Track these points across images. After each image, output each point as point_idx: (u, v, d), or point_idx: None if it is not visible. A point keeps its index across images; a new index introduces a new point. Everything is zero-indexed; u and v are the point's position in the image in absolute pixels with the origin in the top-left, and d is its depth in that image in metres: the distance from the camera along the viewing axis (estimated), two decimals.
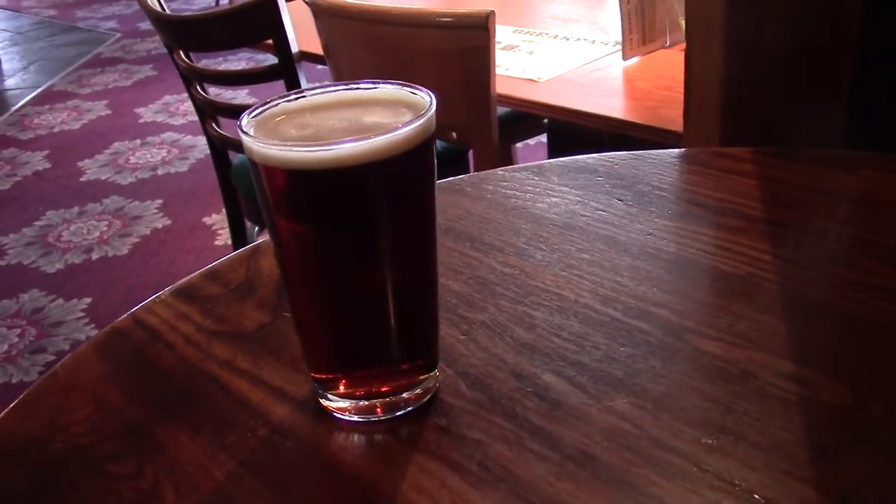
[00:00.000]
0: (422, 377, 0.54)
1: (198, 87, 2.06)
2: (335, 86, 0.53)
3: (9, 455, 0.55)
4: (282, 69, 1.86)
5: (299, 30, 1.90)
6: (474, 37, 1.49)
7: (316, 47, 1.93)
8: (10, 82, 5.03)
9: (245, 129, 0.49)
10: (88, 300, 2.65)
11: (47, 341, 2.46)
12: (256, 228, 2.39)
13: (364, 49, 1.71)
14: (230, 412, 0.56)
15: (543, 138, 2.97)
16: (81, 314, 2.57)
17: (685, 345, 0.58)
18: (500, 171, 0.85)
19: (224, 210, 3.02)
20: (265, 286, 0.70)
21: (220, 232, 2.98)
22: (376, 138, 0.47)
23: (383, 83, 0.53)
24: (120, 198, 3.31)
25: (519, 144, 2.80)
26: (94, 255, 2.91)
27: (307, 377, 0.57)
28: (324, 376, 0.54)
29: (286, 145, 0.47)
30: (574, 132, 2.18)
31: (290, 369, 0.59)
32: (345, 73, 1.78)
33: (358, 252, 0.50)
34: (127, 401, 0.58)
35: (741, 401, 0.53)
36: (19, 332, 2.52)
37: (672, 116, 1.50)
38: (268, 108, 0.52)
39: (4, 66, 5.26)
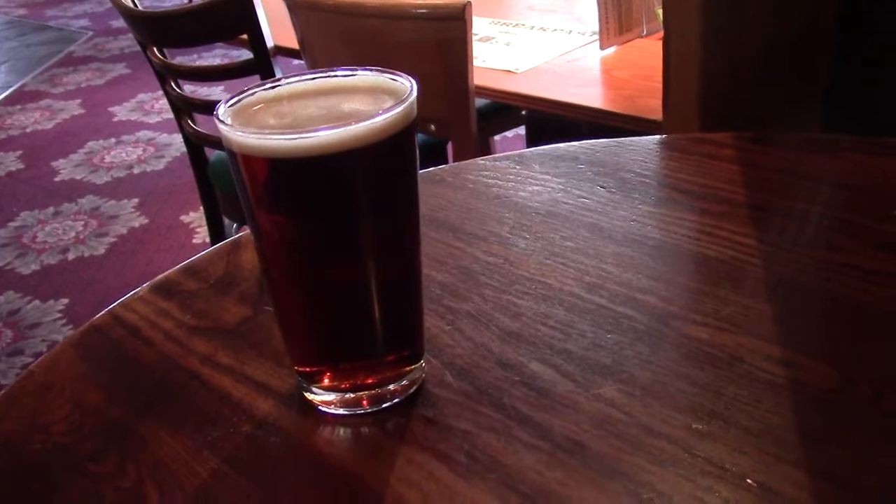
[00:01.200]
0: (407, 368, 0.53)
1: (172, 84, 2.03)
2: (312, 73, 0.52)
3: None
4: (257, 64, 1.84)
5: (274, 24, 1.89)
6: (452, 28, 1.48)
7: (292, 42, 1.91)
8: None
9: (222, 119, 0.48)
10: (65, 301, 2.62)
11: (24, 343, 2.43)
12: (235, 225, 2.37)
13: (340, 42, 1.70)
14: (213, 408, 0.55)
15: (521, 130, 2.97)
16: (59, 315, 2.54)
17: (672, 331, 0.57)
18: (480, 160, 0.84)
19: (201, 208, 3.01)
20: (246, 280, 0.69)
21: (197, 230, 2.95)
22: (357, 125, 0.46)
23: (362, 70, 0.52)
24: (96, 197, 3.28)
25: (497, 137, 2.79)
26: (71, 256, 2.88)
27: (291, 371, 0.57)
28: (308, 369, 0.53)
29: (265, 133, 0.46)
30: (552, 124, 2.17)
31: (273, 363, 0.58)
32: (321, 67, 1.77)
33: (339, 242, 0.49)
34: (106, 399, 0.57)
35: (730, 385, 0.52)
36: None
37: (651, 105, 1.50)
38: (244, 97, 0.51)
39: None
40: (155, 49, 1.98)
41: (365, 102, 0.51)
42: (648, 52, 1.74)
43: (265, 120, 0.49)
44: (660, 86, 1.56)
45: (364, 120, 0.46)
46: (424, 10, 1.51)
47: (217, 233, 2.26)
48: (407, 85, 0.49)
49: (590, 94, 1.63)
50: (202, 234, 2.90)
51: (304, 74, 0.52)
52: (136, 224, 3.05)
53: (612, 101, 1.60)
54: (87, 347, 0.63)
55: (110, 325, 0.64)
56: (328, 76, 0.52)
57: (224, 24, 1.92)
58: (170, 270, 0.71)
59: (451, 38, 1.50)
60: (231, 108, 0.49)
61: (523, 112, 2.26)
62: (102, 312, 0.66)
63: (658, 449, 0.48)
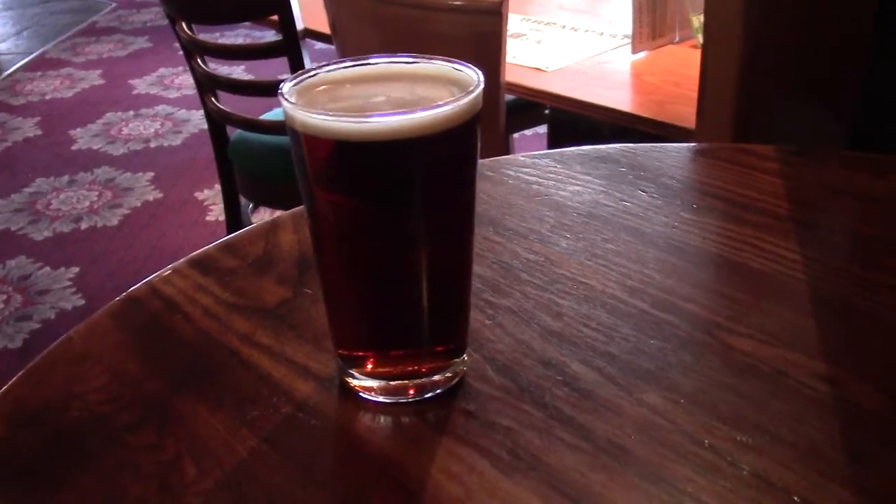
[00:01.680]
0: (454, 360, 0.53)
1: (199, 61, 2.03)
2: (376, 58, 0.52)
3: (22, 420, 0.53)
4: (285, 46, 1.84)
5: (305, 6, 1.88)
6: (487, 22, 1.48)
7: (320, 25, 1.91)
8: (2, 47, 4.96)
9: (287, 97, 0.47)
10: (76, 269, 2.62)
11: (33, 309, 2.43)
12: (251, 206, 2.37)
13: (373, 29, 1.69)
14: (251, 387, 0.55)
15: (540, 129, 2.96)
16: (68, 283, 2.55)
17: (715, 340, 0.57)
18: (521, 156, 0.84)
19: (216, 186, 3.00)
20: (284, 261, 0.68)
21: (211, 207, 2.95)
22: (423, 112, 0.45)
23: (425, 58, 0.52)
24: (111, 168, 3.28)
25: (516, 135, 2.78)
26: (84, 225, 2.88)
27: (330, 356, 0.56)
28: (352, 353, 0.53)
29: (331, 115, 0.45)
30: (575, 124, 2.17)
31: (312, 346, 0.58)
32: (351, 53, 1.76)
33: (397, 228, 0.48)
34: (144, 371, 0.57)
35: (774, 399, 0.52)
36: (5, 299, 2.49)
37: (681, 112, 1.50)
38: (307, 78, 0.50)
39: None
40: (183, 24, 1.97)
41: (429, 90, 0.50)
42: (680, 58, 1.74)
43: (328, 102, 0.49)
44: (690, 93, 1.55)
45: (431, 108, 0.45)
46: (460, 3, 1.51)
47: (233, 212, 2.26)
48: (473, 76, 0.49)
49: (619, 98, 1.63)
50: (216, 212, 2.90)
51: (366, 59, 0.52)
52: (151, 198, 3.05)
53: (641, 105, 1.59)
54: (124, 318, 0.63)
55: (148, 297, 0.64)
56: (391, 62, 0.52)
57: (256, 4, 1.91)
58: (208, 246, 0.71)
59: (486, 32, 1.50)
60: (295, 87, 0.49)
61: (546, 111, 2.25)
62: (140, 283, 0.66)
63: (702, 459, 0.48)
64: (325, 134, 0.46)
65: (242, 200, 2.24)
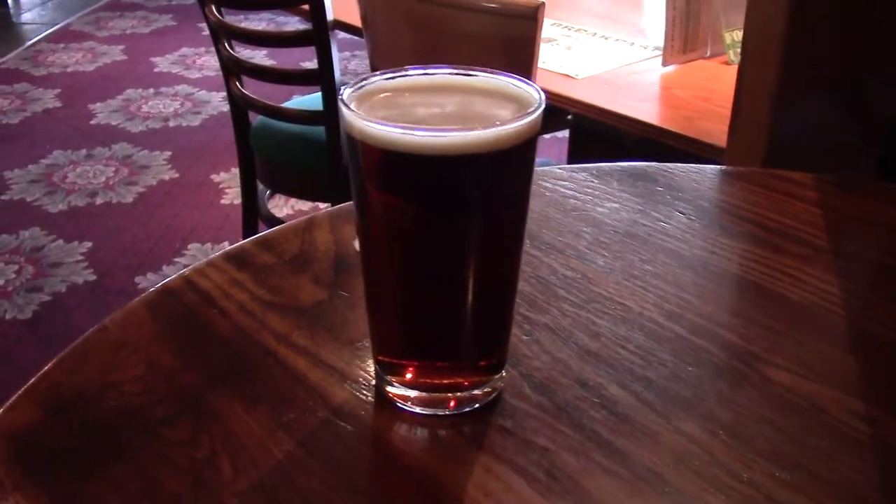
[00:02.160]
0: (494, 375, 0.53)
1: (226, 44, 2.02)
2: (436, 68, 0.52)
3: (57, 407, 0.53)
4: (314, 35, 1.84)
5: None
6: (521, 26, 1.47)
7: (349, 17, 1.91)
8: (26, 16, 4.97)
9: (347, 103, 0.47)
10: (89, 244, 2.62)
11: (44, 280, 2.44)
12: (268, 192, 2.37)
13: (404, 25, 1.69)
14: (287, 389, 0.54)
15: (559, 134, 2.95)
16: (81, 258, 2.55)
17: (754, 372, 0.57)
18: (557, 169, 0.83)
19: (232, 169, 3.01)
20: (320, 261, 0.68)
21: (227, 191, 2.95)
22: (485, 130, 0.45)
23: (483, 71, 0.52)
24: (129, 145, 3.28)
25: None
26: (99, 200, 2.88)
27: (367, 361, 0.56)
28: (393, 360, 0.53)
29: (391, 126, 0.45)
30: (597, 131, 2.16)
31: (349, 351, 0.58)
32: (382, 48, 1.76)
33: (450, 239, 0.48)
34: (180, 364, 0.57)
35: (812, 436, 0.52)
36: (17, 269, 2.50)
37: (709, 129, 1.49)
38: (366, 84, 0.50)
39: (22, 0, 5.19)
40: (213, 7, 1.97)
41: (488, 106, 0.50)
42: (710, 73, 1.73)
43: (388, 110, 0.49)
44: (719, 109, 1.55)
45: (494, 126, 0.45)
46: (495, 6, 1.50)
47: (250, 197, 2.26)
48: (534, 94, 0.49)
49: (648, 110, 1.62)
50: (231, 196, 2.90)
51: (426, 69, 0.51)
52: (167, 177, 3.05)
53: (669, 119, 1.59)
54: (160, 309, 0.63)
55: (184, 289, 0.64)
56: (451, 73, 0.52)
57: None
58: (244, 241, 0.71)
59: (519, 36, 1.49)
60: (355, 93, 0.49)
61: (569, 116, 2.25)
62: (175, 275, 0.66)
63: (740, 493, 0.47)
64: (384, 144, 0.46)
65: (260, 186, 2.24)
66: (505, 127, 0.45)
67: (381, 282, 0.52)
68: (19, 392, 0.54)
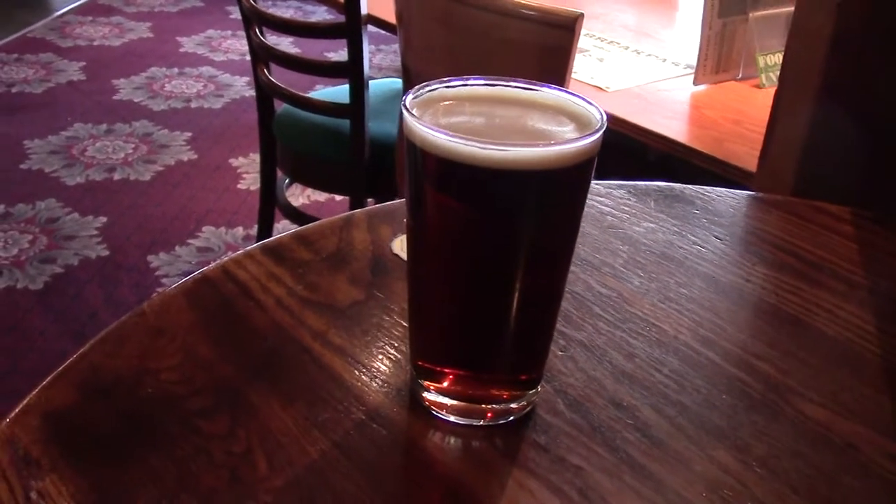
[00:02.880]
0: (531, 390, 0.53)
1: (257, 30, 2.03)
2: (497, 80, 0.52)
3: (96, 391, 0.54)
4: (348, 28, 1.84)
5: None
6: (558, 36, 1.47)
7: (382, 12, 1.91)
8: None
9: (409, 109, 0.47)
10: (104, 219, 2.63)
11: (57, 252, 2.44)
12: (287, 181, 2.37)
13: (439, 26, 1.69)
14: (324, 388, 0.55)
15: None
16: (95, 232, 2.55)
17: (788, 406, 0.57)
18: (595, 184, 0.83)
19: (251, 154, 3.01)
20: (357, 260, 0.68)
21: (244, 176, 2.96)
22: (548, 148, 0.45)
23: (544, 86, 0.52)
24: (150, 123, 3.28)
25: None
26: (116, 176, 2.89)
27: (402, 366, 0.56)
28: (433, 367, 0.53)
29: (453, 135, 0.45)
30: (619, 143, 2.16)
31: (385, 354, 0.58)
32: (415, 47, 1.76)
33: (501, 252, 0.48)
34: (217, 355, 0.57)
35: (846, 475, 0.52)
36: (31, 239, 2.50)
37: (737, 151, 1.49)
38: (427, 91, 0.50)
39: None
40: None
41: (547, 121, 0.50)
42: (741, 95, 1.73)
43: (448, 119, 0.49)
44: (749, 132, 1.55)
45: (557, 144, 0.45)
46: (534, 13, 1.50)
47: (268, 184, 2.26)
48: (595, 114, 0.49)
49: (677, 128, 1.62)
50: (248, 181, 2.90)
51: (487, 79, 0.51)
52: (185, 158, 3.05)
53: (698, 139, 1.58)
54: (198, 297, 0.63)
55: (222, 279, 0.64)
56: (510, 86, 0.52)
57: None
58: (282, 234, 0.71)
59: (555, 45, 1.49)
60: (416, 100, 0.49)
61: None
62: (213, 264, 0.66)
63: None
64: (444, 153, 0.46)
65: (279, 174, 2.24)
66: (567, 146, 0.45)
67: (428, 287, 0.52)
68: (57, 371, 0.54)
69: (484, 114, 0.50)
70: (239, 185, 2.90)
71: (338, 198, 2.77)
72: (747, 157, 1.43)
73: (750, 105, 1.66)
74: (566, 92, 0.51)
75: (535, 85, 0.52)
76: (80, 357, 0.56)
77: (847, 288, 0.70)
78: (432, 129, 0.46)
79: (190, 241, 2.53)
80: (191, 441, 0.50)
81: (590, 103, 0.50)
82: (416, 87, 0.50)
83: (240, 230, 2.62)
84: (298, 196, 2.83)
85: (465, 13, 1.58)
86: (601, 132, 0.47)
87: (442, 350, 0.53)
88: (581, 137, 0.46)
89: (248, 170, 2.98)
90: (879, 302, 0.69)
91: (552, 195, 0.47)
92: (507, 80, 0.52)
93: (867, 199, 1.26)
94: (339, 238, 0.71)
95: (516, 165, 0.45)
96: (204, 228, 2.60)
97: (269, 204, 2.26)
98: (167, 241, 2.53)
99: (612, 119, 1.61)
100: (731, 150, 1.50)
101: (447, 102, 0.50)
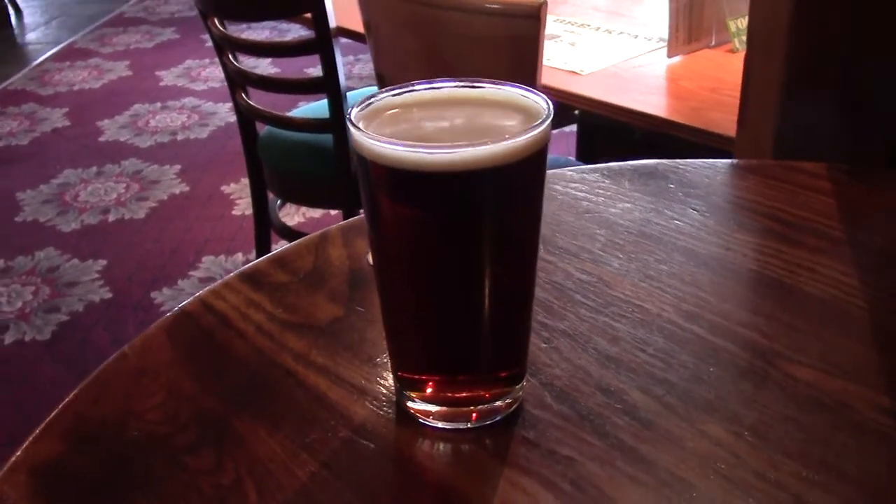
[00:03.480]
0: (514, 386, 0.53)
1: (230, 56, 2.03)
2: (442, 82, 0.51)
3: (82, 439, 0.53)
4: (318, 44, 1.84)
5: (337, 2, 1.88)
6: (524, 26, 1.47)
7: (353, 23, 1.90)
8: (31, 36, 4.99)
9: (355, 123, 0.47)
10: (103, 262, 2.63)
11: (61, 300, 2.45)
12: (278, 202, 2.37)
13: (407, 30, 1.68)
14: (309, 409, 0.54)
15: (567, 129, 2.95)
16: (96, 275, 2.56)
17: (776, 370, 0.56)
18: (568, 171, 0.83)
19: (242, 180, 3.01)
20: (335, 277, 0.68)
21: (237, 202, 2.96)
22: (494, 144, 0.45)
23: (490, 83, 0.51)
24: (138, 160, 3.29)
25: None
26: (111, 217, 2.89)
27: (386, 377, 0.56)
28: (413, 376, 0.53)
29: (400, 144, 0.45)
30: (605, 125, 2.16)
31: (367, 368, 0.58)
32: (386, 54, 1.76)
33: (464, 254, 0.48)
34: (201, 389, 0.57)
35: (840, 434, 0.51)
36: (33, 290, 2.51)
37: (717, 119, 1.49)
38: (374, 102, 0.50)
39: (26, 20, 5.21)
40: (216, 20, 1.97)
41: (496, 118, 0.50)
42: (716, 62, 1.72)
43: (396, 128, 0.49)
44: (727, 99, 1.54)
45: (502, 140, 0.45)
46: (498, 6, 1.50)
47: (260, 207, 2.26)
48: (542, 104, 0.48)
49: (655, 103, 1.61)
50: (242, 206, 2.90)
51: (433, 83, 0.51)
52: (177, 191, 3.06)
53: (677, 111, 1.58)
54: (178, 333, 0.63)
55: (201, 312, 0.64)
56: (457, 87, 0.51)
57: (290, 1, 1.92)
58: (259, 260, 0.71)
59: (523, 35, 1.49)
60: (362, 112, 0.49)
61: (576, 112, 2.24)
62: (192, 298, 0.66)
63: (768, 495, 0.47)
64: (393, 163, 0.46)
65: (270, 196, 2.24)
66: (514, 140, 0.45)
67: (397, 298, 0.52)
68: (42, 425, 0.54)
69: (431, 117, 0.50)
70: (234, 212, 2.91)
71: (333, 212, 2.77)
72: (727, 123, 1.42)
73: (725, 71, 1.66)
74: (513, 86, 0.51)
75: (482, 83, 0.51)
76: (65, 407, 0.56)
77: (828, 244, 0.70)
78: (378, 141, 0.45)
79: (191, 272, 2.54)
80: (179, 479, 0.50)
81: (537, 94, 0.49)
82: (361, 98, 0.50)
83: (239, 256, 2.62)
84: (294, 215, 2.83)
85: (429, 14, 1.58)
86: (548, 122, 0.47)
87: (419, 358, 0.53)
88: (527, 130, 0.46)
89: (240, 195, 2.98)
90: (860, 255, 0.68)
91: (507, 190, 0.47)
92: (454, 81, 0.52)
93: (850, 153, 1.26)
94: (316, 256, 0.71)
95: (466, 166, 0.45)
96: (203, 259, 2.61)
97: (265, 227, 2.26)
98: (168, 275, 2.54)
99: (590, 102, 1.62)
100: (710, 118, 1.49)
101: (393, 111, 0.50)
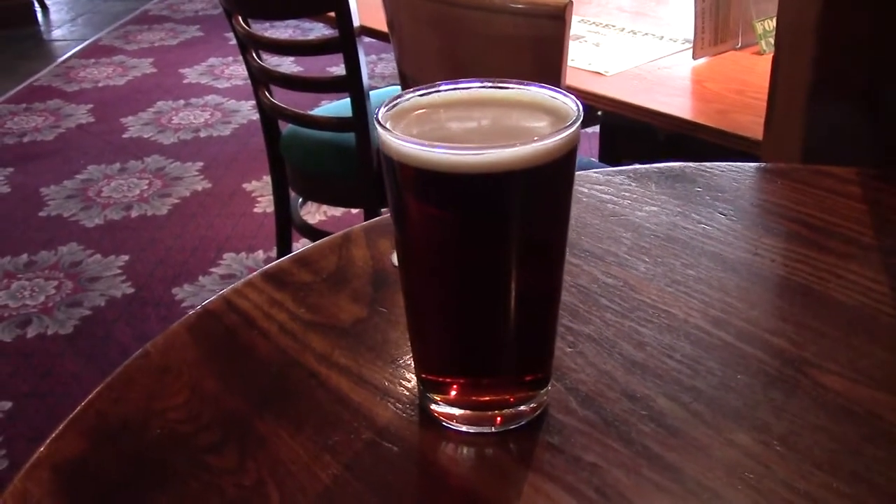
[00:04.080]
0: (539, 390, 0.52)
1: (254, 54, 2.03)
2: (469, 82, 0.51)
3: (104, 437, 0.53)
4: (341, 42, 1.84)
5: (361, 2, 1.88)
6: (549, 26, 1.46)
7: (376, 22, 1.90)
8: (57, 33, 5.03)
9: (382, 123, 0.47)
10: (126, 258, 2.65)
11: (83, 295, 2.46)
12: (300, 200, 2.37)
13: (431, 30, 1.68)
14: (332, 411, 0.54)
15: (588, 129, 2.93)
16: (118, 271, 2.58)
17: (805, 378, 0.55)
18: (594, 173, 0.82)
19: (264, 177, 3.02)
20: (358, 277, 0.68)
21: (259, 199, 2.97)
22: (522, 147, 0.44)
23: (518, 84, 0.51)
24: (161, 157, 3.31)
25: None
26: (134, 213, 2.91)
27: (409, 379, 0.56)
28: (437, 379, 0.52)
29: (427, 145, 0.45)
30: (628, 126, 2.14)
31: (390, 369, 0.57)
32: (409, 53, 1.76)
33: (490, 256, 0.48)
34: (224, 388, 0.57)
35: (869, 445, 0.50)
36: (56, 285, 2.53)
37: (742, 122, 1.47)
38: (401, 102, 0.49)
39: (52, 17, 5.26)
40: (240, 17, 1.98)
41: (524, 119, 0.49)
42: (742, 65, 1.71)
43: (423, 128, 0.48)
44: (753, 101, 1.53)
45: (531, 142, 0.44)
46: (522, 6, 1.49)
47: (282, 205, 2.26)
48: (571, 106, 0.48)
49: (680, 105, 1.60)
50: (263, 204, 2.91)
51: (460, 83, 0.51)
52: (199, 188, 3.07)
53: (702, 113, 1.56)
54: (201, 331, 0.62)
55: (224, 310, 0.64)
56: (484, 87, 0.51)
57: (313, 0, 1.92)
58: (282, 259, 0.70)
59: (547, 36, 1.48)
60: (389, 112, 0.48)
61: (599, 112, 2.23)
62: (215, 297, 0.66)
63: None
64: (420, 164, 0.45)
65: (292, 194, 2.24)
66: (544, 142, 0.45)
67: (422, 299, 0.51)
68: (65, 422, 0.54)
69: (459, 118, 0.50)
70: (255, 209, 2.92)
71: (354, 211, 2.77)
72: (754, 126, 1.40)
73: (752, 73, 1.64)
74: (541, 87, 0.50)
75: (509, 84, 0.51)
76: (87, 405, 0.56)
77: (857, 250, 0.69)
78: (405, 140, 0.45)
79: (212, 269, 2.55)
80: (200, 478, 0.50)
81: (565, 95, 0.49)
82: (389, 98, 0.49)
83: (260, 254, 2.63)
84: (315, 213, 2.84)
85: (454, 14, 1.58)
86: (577, 124, 0.46)
87: (443, 361, 0.52)
88: (556, 132, 0.45)
89: (262, 193, 2.99)
90: (890, 261, 0.67)
91: (534, 193, 0.46)
92: (482, 82, 0.51)
93: (880, 157, 1.24)
94: (339, 256, 0.71)
95: (493, 168, 0.44)
96: (225, 256, 2.62)
97: (286, 225, 2.26)
98: (190, 272, 2.55)
99: (614, 103, 1.60)
100: (736, 120, 1.48)
101: (421, 111, 0.49)
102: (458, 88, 0.51)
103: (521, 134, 0.46)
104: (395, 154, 0.46)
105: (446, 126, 0.49)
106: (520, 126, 0.49)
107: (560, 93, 0.49)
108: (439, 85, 0.50)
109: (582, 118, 0.47)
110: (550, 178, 0.47)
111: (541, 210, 0.48)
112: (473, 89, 0.51)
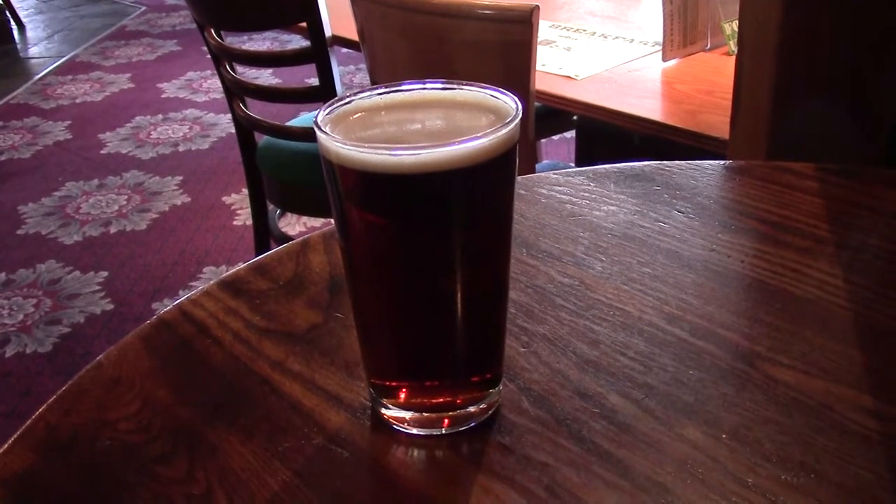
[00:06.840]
0: (489, 391, 0.52)
1: (227, 67, 2.03)
2: (410, 84, 0.51)
3: (54, 450, 0.53)
4: (314, 53, 1.84)
5: (333, 11, 1.88)
6: (517, 31, 1.46)
7: (349, 32, 1.90)
8: (33, 50, 5.02)
9: (321, 127, 0.47)
10: (105, 274, 2.63)
11: (62, 313, 2.45)
12: (278, 211, 2.37)
13: (401, 37, 1.68)
14: (283, 417, 0.54)
15: (567, 134, 2.94)
16: (98, 287, 2.56)
17: (757, 372, 0.56)
18: (553, 174, 0.82)
19: (243, 190, 3.01)
20: (315, 284, 0.67)
21: (238, 212, 2.96)
22: (460, 145, 0.44)
23: (460, 84, 0.51)
24: (140, 172, 3.30)
25: (543, 140, 2.76)
26: (113, 229, 2.90)
27: (363, 384, 0.56)
28: (386, 383, 0.52)
29: (366, 147, 0.45)
30: (603, 130, 2.15)
31: (344, 374, 0.57)
32: (380, 61, 1.76)
33: (433, 257, 0.48)
34: (175, 398, 0.56)
35: (820, 436, 0.50)
36: (35, 303, 2.51)
37: (712, 122, 1.48)
38: (342, 105, 0.49)
39: (29, 35, 5.24)
40: (212, 30, 1.98)
41: (466, 119, 0.49)
42: (711, 66, 1.72)
43: (364, 131, 0.48)
44: (722, 102, 1.53)
45: (469, 140, 0.44)
46: (490, 12, 1.50)
47: (260, 217, 2.26)
48: (511, 104, 0.48)
49: (651, 107, 1.61)
50: (243, 217, 2.91)
51: (401, 85, 0.51)
52: (179, 202, 3.06)
53: (672, 114, 1.57)
54: (155, 342, 0.62)
55: (179, 320, 0.64)
56: (426, 88, 0.51)
57: (285, 11, 1.92)
58: (238, 267, 0.70)
59: (515, 41, 1.48)
60: (329, 115, 0.48)
61: (574, 117, 2.24)
62: (170, 307, 0.65)
63: (746, 500, 0.46)
64: (359, 166, 0.45)
65: (270, 206, 2.24)
66: (480, 140, 0.45)
67: (368, 304, 0.51)
68: (14, 436, 0.54)
69: (400, 120, 0.50)
70: (235, 222, 2.91)
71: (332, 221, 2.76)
72: (723, 126, 1.41)
73: (721, 74, 1.65)
74: (482, 87, 0.50)
75: (450, 84, 0.51)
76: (38, 418, 0.55)
77: (813, 244, 0.69)
78: (342, 143, 0.45)
79: (193, 283, 2.54)
80: (149, 488, 0.49)
81: (507, 95, 0.49)
82: (329, 102, 0.49)
83: (240, 266, 2.61)
84: (295, 224, 2.83)
85: (422, 21, 1.58)
86: (516, 122, 0.46)
87: (390, 365, 0.52)
88: (493, 130, 0.45)
89: (242, 205, 2.98)
90: (845, 254, 0.67)
91: (475, 192, 0.46)
92: (424, 83, 0.51)
93: (846, 153, 1.25)
94: (297, 263, 0.70)
95: (432, 167, 0.44)
96: (205, 269, 2.61)
97: (265, 237, 2.26)
98: (170, 287, 2.54)
99: (586, 106, 1.61)
100: (706, 121, 1.49)
101: (360, 114, 0.49)
102: (400, 90, 0.51)
103: (462, 134, 0.46)
104: (335, 157, 0.46)
105: (387, 128, 0.49)
106: (461, 126, 0.49)
107: (501, 92, 0.49)
108: (379, 87, 0.50)
109: (520, 117, 0.47)
110: (491, 177, 0.47)
111: (482, 209, 0.48)
112: (415, 91, 0.51)
